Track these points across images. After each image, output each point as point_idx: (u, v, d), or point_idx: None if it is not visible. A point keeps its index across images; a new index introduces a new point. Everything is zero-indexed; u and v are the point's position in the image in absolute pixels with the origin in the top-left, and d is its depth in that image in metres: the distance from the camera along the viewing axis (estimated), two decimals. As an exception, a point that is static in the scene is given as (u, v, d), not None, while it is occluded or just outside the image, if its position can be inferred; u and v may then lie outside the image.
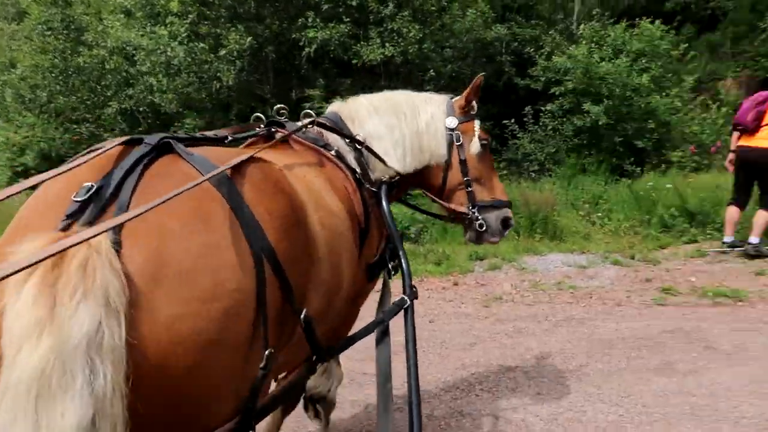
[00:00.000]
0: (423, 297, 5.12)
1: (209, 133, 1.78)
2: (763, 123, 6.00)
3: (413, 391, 1.87)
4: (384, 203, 2.22)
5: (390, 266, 2.27)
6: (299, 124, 2.09)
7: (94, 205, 1.17)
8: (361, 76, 10.24)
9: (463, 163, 2.50)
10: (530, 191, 8.27)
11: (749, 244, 6.14)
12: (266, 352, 1.31)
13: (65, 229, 1.13)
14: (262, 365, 1.31)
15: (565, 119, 10.39)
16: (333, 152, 2.12)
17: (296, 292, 1.42)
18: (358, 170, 2.18)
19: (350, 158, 2.22)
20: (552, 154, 10.34)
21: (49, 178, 1.26)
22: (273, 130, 2.04)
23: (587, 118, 9.26)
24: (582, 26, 11.59)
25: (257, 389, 1.34)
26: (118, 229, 1.12)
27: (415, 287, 2.16)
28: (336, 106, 2.50)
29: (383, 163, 2.33)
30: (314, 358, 1.78)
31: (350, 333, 2.20)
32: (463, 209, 2.54)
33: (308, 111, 2.23)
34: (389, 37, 9.30)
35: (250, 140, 1.99)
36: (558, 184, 9.29)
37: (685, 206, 7.31)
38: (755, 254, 6.10)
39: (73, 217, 1.14)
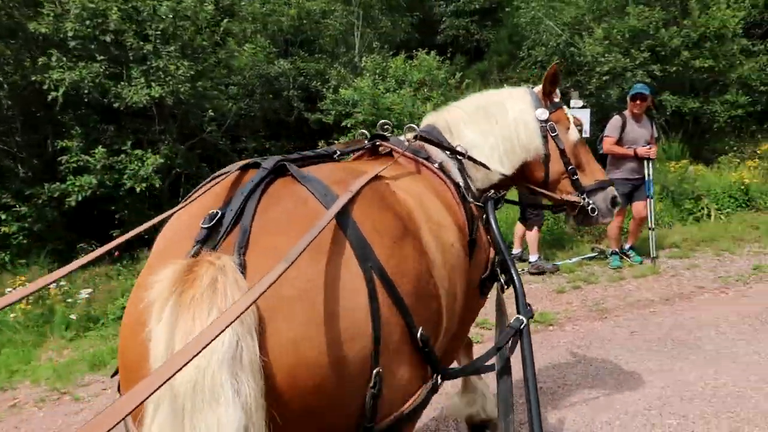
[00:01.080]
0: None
1: (320, 150, 1.84)
2: None
3: (534, 420, 1.73)
4: (492, 218, 2.13)
5: (502, 281, 2.16)
6: (402, 138, 2.13)
7: (219, 230, 1.26)
8: (130, 121, 8.90)
9: (563, 152, 2.49)
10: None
11: (529, 263, 6.35)
12: (374, 371, 1.28)
13: (196, 254, 1.22)
14: (371, 384, 1.29)
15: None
16: (436, 165, 2.10)
17: (412, 308, 1.38)
18: (461, 183, 2.13)
19: (454, 171, 2.18)
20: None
21: (179, 209, 1.44)
22: (377, 144, 2.08)
23: (380, 149, 9.11)
24: (364, 59, 11.67)
25: (373, 408, 1.30)
26: (242, 252, 1.21)
27: (530, 305, 2.00)
28: (431, 118, 2.49)
29: (487, 169, 2.33)
30: (435, 376, 1.69)
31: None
32: (575, 198, 2.53)
33: (411, 125, 2.19)
34: (155, 75, 8.15)
35: (356, 154, 2.01)
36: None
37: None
38: (537, 272, 6.30)
39: (201, 243, 1.25)
